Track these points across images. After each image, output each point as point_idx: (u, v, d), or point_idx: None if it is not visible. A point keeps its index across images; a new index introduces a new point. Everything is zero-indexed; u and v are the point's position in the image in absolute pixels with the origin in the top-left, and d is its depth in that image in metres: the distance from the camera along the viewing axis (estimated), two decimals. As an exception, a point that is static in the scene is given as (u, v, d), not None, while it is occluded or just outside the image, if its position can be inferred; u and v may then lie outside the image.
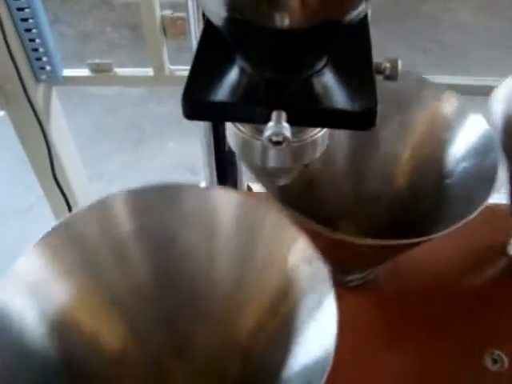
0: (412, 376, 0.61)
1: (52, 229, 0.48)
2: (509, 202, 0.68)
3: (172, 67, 1.15)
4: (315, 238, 0.45)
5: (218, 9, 0.32)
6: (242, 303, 0.52)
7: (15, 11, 1.01)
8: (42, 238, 0.47)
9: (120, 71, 1.18)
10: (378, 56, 0.39)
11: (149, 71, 1.15)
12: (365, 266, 0.67)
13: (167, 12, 1.09)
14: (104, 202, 0.51)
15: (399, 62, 0.37)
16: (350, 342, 0.45)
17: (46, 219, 1.47)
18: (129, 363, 0.54)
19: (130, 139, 2.08)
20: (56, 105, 1.23)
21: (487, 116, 0.61)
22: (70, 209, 1.11)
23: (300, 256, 0.47)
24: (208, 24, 0.40)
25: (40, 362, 0.45)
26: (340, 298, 0.42)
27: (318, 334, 0.42)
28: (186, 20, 1.07)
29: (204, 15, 0.64)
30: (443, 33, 2.58)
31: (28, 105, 1.07)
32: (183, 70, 1.16)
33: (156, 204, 0.51)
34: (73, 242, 0.50)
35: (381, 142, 0.67)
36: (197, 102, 0.36)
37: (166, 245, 0.53)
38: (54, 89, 1.21)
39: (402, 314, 0.67)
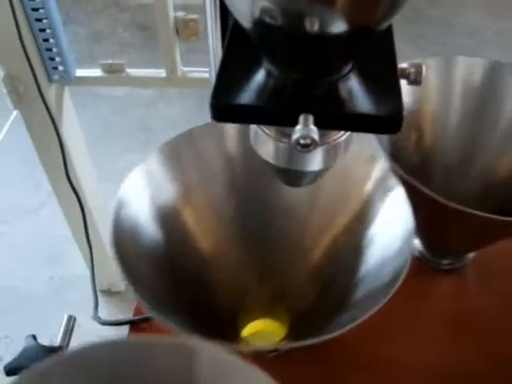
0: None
1: (177, 136, 0.61)
2: None
3: (184, 69, 1.16)
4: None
5: (248, 12, 0.33)
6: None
7: (30, 11, 1.02)
8: (166, 143, 0.60)
9: (132, 72, 1.19)
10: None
11: (161, 72, 1.16)
12: (465, 246, 0.70)
13: (180, 14, 1.09)
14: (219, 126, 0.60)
15: (423, 67, 0.38)
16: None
17: (56, 217, 1.48)
18: (217, 269, 0.62)
19: (139, 139, 2.09)
20: (68, 104, 1.24)
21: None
22: (81, 207, 1.11)
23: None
24: (235, 27, 0.40)
25: (150, 251, 0.54)
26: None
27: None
28: (198, 22, 1.08)
29: (222, 18, 0.65)
30: (454, 36, 2.59)
31: (41, 104, 1.07)
32: (195, 72, 1.17)
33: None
34: (191, 151, 0.60)
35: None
36: (225, 105, 0.36)
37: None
38: (67, 89, 1.22)
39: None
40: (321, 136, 0.37)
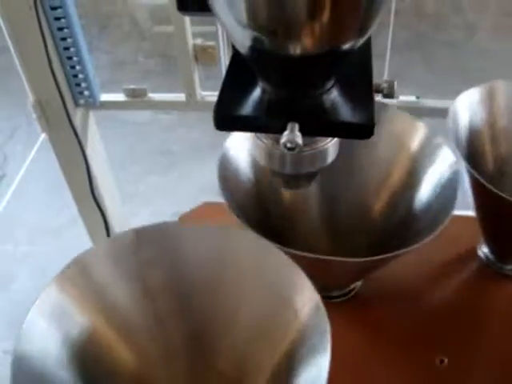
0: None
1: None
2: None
3: (203, 93, 1.25)
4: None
5: (243, 40, 0.41)
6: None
7: (59, 41, 1.13)
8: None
9: (153, 96, 1.28)
10: (401, 82, 0.48)
11: (181, 96, 1.25)
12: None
13: (198, 40, 1.19)
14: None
15: (395, 83, 0.46)
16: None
17: (80, 239, 1.58)
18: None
19: (161, 163, 2.20)
20: (93, 128, 1.34)
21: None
22: (107, 228, 1.19)
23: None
24: (235, 52, 0.49)
25: None
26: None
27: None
28: (215, 48, 1.18)
29: (232, 44, 0.74)
30: (464, 58, 2.69)
31: (68, 127, 1.17)
32: (213, 96, 1.26)
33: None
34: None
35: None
36: (226, 116, 0.45)
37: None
38: (91, 113, 1.32)
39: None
40: (310, 143, 0.46)
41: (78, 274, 0.55)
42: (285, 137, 0.42)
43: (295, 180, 0.52)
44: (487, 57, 2.70)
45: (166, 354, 0.60)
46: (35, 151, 1.70)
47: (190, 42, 1.16)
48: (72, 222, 1.90)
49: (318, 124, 0.45)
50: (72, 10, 1.10)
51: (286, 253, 0.53)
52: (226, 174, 0.69)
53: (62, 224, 1.98)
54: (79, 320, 0.55)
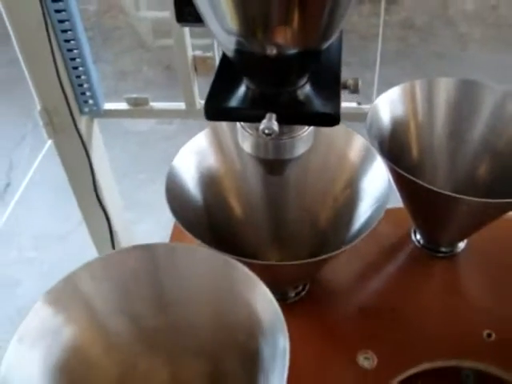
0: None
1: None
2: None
3: (202, 102, 1.33)
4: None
5: (228, 44, 0.51)
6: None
7: (66, 51, 1.22)
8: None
9: (155, 105, 1.37)
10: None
11: (181, 105, 1.34)
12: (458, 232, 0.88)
13: (198, 52, 1.27)
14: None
15: (359, 80, 0.55)
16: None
17: (84, 244, 1.66)
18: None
19: (163, 171, 2.28)
20: (97, 135, 1.42)
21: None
22: (111, 233, 1.27)
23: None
24: (223, 55, 0.59)
25: None
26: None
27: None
28: (214, 59, 1.26)
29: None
30: (459, 70, 2.82)
31: (74, 134, 1.26)
32: (212, 104, 1.33)
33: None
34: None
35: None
36: (215, 108, 0.54)
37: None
38: (96, 121, 1.40)
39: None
40: (288, 132, 0.55)
41: (67, 291, 0.62)
42: (263, 124, 0.51)
43: (276, 166, 0.61)
44: (477, 67, 2.81)
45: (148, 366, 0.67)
46: (40, 159, 1.78)
47: (190, 53, 1.25)
48: (76, 228, 1.99)
49: (293, 114, 0.54)
50: (78, 22, 1.19)
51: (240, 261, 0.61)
52: (175, 192, 0.76)
53: (66, 230, 2.08)
54: (66, 336, 0.60)
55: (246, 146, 0.59)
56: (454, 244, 0.92)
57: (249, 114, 0.54)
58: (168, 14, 1.13)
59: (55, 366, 0.59)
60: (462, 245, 0.92)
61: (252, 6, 0.44)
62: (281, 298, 0.83)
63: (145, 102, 1.36)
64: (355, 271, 0.89)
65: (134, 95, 1.35)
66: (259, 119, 0.52)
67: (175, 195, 0.75)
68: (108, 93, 1.55)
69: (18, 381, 0.54)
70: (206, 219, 0.81)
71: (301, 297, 0.85)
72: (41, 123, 1.31)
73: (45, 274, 1.92)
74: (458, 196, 0.73)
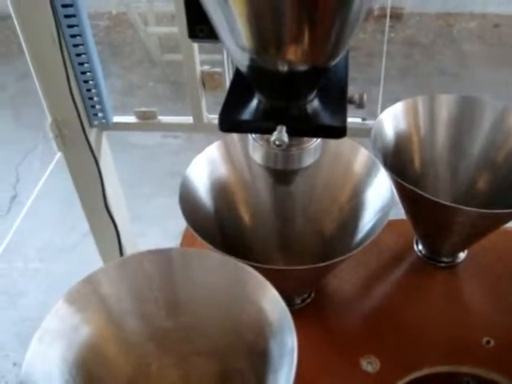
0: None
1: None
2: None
3: (210, 116, 1.38)
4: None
5: (242, 61, 0.55)
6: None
7: (77, 65, 1.27)
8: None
9: (163, 119, 1.41)
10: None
11: (189, 119, 1.38)
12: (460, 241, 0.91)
13: (206, 67, 1.31)
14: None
15: (365, 95, 0.60)
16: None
17: (90, 256, 1.70)
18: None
19: (169, 185, 2.34)
20: (105, 147, 1.46)
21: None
22: (119, 243, 1.31)
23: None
24: (237, 70, 0.63)
25: None
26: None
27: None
28: (222, 75, 1.30)
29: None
30: (461, 87, 2.87)
31: (83, 146, 1.30)
32: (219, 118, 1.37)
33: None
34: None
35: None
36: (228, 120, 0.59)
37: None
38: (104, 133, 1.45)
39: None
40: (296, 144, 0.59)
41: (86, 292, 0.66)
42: (274, 136, 0.56)
43: (285, 175, 0.65)
44: (478, 84, 2.87)
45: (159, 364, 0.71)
46: (48, 173, 1.83)
47: (198, 68, 1.29)
48: (81, 240, 2.03)
49: (302, 127, 0.58)
50: (90, 37, 1.24)
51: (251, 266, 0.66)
52: (188, 200, 0.81)
53: (71, 242, 2.12)
54: (83, 335, 0.65)
55: (257, 156, 0.64)
56: (454, 254, 0.96)
57: (260, 126, 0.59)
58: (176, 29, 1.18)
59: (72, 363, 0.63)
60: (462, 255, 0.96)
61: (266, 27, 0.49)
62: (287, 304, 0.85)
63: (153, 115, 1.40)
64: (359, 280, 0.93)
65: (143, 109, 1.39)
66: (270, 131, 0.57)
67: (188, 202, 0.79)
68: (117, 107, 1.59)
69: (38, 375, 0.58)
70: (217, 226, 0.86)
71: (306, 304, 0.89)
72: (51, 135, 1.35)
73: (49, 285, 1.96)
74: (458, 207, 0.78)
